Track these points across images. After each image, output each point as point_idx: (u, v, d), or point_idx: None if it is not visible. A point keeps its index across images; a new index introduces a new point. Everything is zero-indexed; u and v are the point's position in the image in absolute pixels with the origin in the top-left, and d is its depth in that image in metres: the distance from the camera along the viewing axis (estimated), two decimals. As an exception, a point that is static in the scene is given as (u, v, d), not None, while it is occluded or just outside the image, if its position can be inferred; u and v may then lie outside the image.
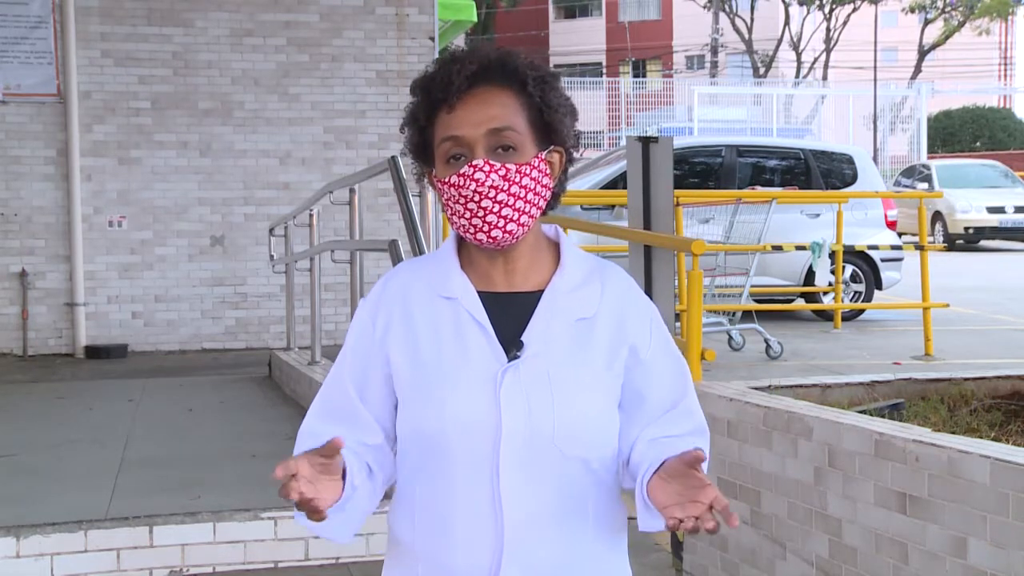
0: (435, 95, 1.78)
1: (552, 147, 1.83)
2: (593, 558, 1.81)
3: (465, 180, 1.75)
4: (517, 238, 1.79)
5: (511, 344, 1.78)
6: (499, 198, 1.75)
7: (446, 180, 1.78)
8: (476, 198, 1.75)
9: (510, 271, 1.83)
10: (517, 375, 1.76)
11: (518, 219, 1.77)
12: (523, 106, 1.79)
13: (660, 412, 1.85)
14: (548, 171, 1.82)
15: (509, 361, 1.77)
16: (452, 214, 1.79)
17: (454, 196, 1.77)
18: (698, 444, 1.86)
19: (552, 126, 1.82)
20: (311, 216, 7.96)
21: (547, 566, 1.75)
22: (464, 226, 1.78)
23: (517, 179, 1.76)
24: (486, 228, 1.76)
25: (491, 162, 1.75)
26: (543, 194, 1.81)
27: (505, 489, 1.74)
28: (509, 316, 1.80)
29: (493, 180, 1.75)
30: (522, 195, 1.77)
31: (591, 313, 1.82)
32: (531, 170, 1.78)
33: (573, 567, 1.78)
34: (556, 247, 1.88)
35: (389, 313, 1.84)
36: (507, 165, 1.76)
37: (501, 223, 1.76)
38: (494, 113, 1.76)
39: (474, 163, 1.75)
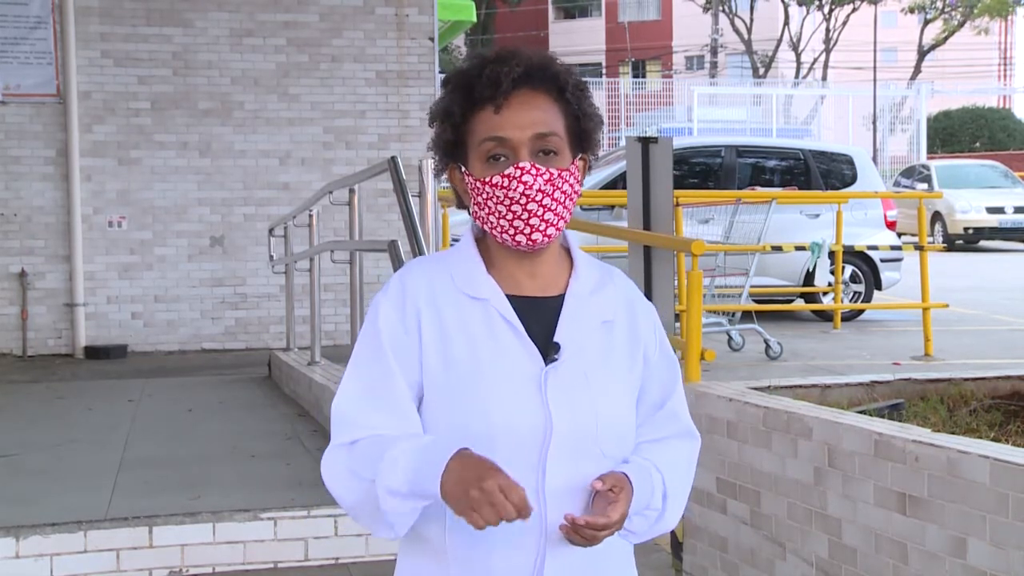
0: (479, 94, 1.77)
1: (582, 154, 1.85)
2: (619, 557, 1.85)
3: (511, 181, 1.75)
4: (552, 241, 1.80)
5: (542, 347, 1.78)
6: (544, 202, 1.76)
7: (487, 180, 1.77)
8: (523, 200, 1.75)
9: (536, 275, 1.83)
10: (558, 377, 1.77)
11: (557, 223, 1.79)
12: (562, 112, 1.81)
13: (651, 411, 1.89)
14: (580, 176, 1.84)
15: (547, 363, 1.77)
16: (490, 214, 1.78)
17: (497, 197, 1.77)
18: (681, 448, 1.90)
19: (587, 133, 1.84)
20: (311, 216, 7.96)
21: (584, 565, 1.77)
22: (504, 227, 1.78)
23: (560, 184, 1.78)
24: (528, 230, 1.77)
25: (538, 166, 1.76)
26: (575, 199, 1.83)
27: (550, 490, 1.74)
28: (536, 319, 1.81)
29: (539, 184, 1.76)
30: (563, 200, 1.79)
31: (612, 316, 1.85)
32: (570, 175, 1.80)
33: (606, 566, 1.81)
34: (567, 251, 1.90)
35: (416, 309, 1.80)
36: (551, 169, 1.77)
37: (543, 226, 1.77)
38: (539, 117, 1.77)
39: (521, 165, 1.75)
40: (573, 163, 1.81)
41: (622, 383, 1.83)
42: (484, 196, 1.78)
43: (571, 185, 1.80)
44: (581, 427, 1.76)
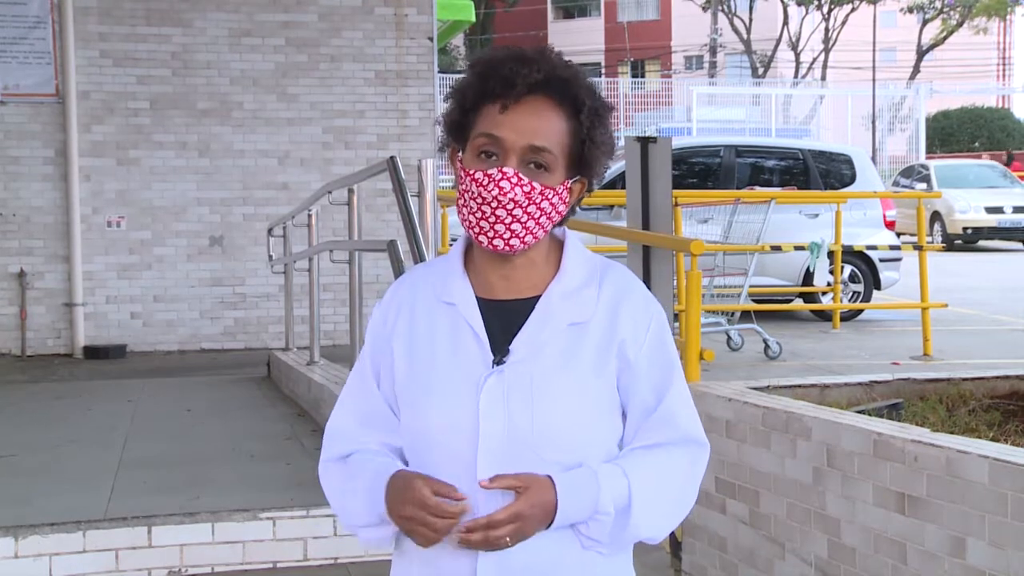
0: (491, 87, 1.76)
1: (579, 177, 1.83)
2: (581, 563, 1.79)
3: (490, 182, 1.75)
4: (516, 252, 1.79)
5: (502, 350, 1.79)
6: (515, 212, 1.76)
7: (470, 172, 1.77)
8: (493, 204, 1.75)
9: (509, 278, 1.83)
10: (500, 380, 1.77)
11: (523, 236, 1.78)
12: (569, 132, 1.78)
13: (644, 413, 1.84)
14: (567, 198, 1.82)
15: (494, 367, 1.78)
16: (463, 206, 1.80)
17: (473, 192, 1.77)
18: (674, 454, 1.84)
19: (588, 160, 1.82)
20: (310, 216, 7.95)
21: (524, 568, 1.75)
22: (471, 222, 1.79)
23: (538, 200, 1.77)
24: (491, 234, 1.77)
25: (521, 176, 1.75)
26: (555, 218, 1.81)
27: (481, 491, 1.74)
28: (505, 323, 1.81)
29: (515, 194, 1.75)
30: (536, 215, 1.77)
31: (585, 318, 1.81)
32: (553, 195, 1.78)
33: (556, 565, 1.77)
34: (561, 249, 1.88)
35: (396, 316, 1.87)
36: (533, 184, 1.76)
37: (507, 235, 1.77)
38: (541, 129, 1.76)
39: (504, 170, 1.74)
40: (564, 184, 1.79)
41: (581, 388, 1.79)
42: (463, 187, 1.79)
43: (551, 204, 1.78)
44: (516, 432, 1.75)
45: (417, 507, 1.70)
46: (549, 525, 1.73)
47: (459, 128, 1.82)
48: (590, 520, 1.75)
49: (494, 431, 1.75)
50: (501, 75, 1.76)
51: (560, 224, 1.85)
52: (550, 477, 1.73)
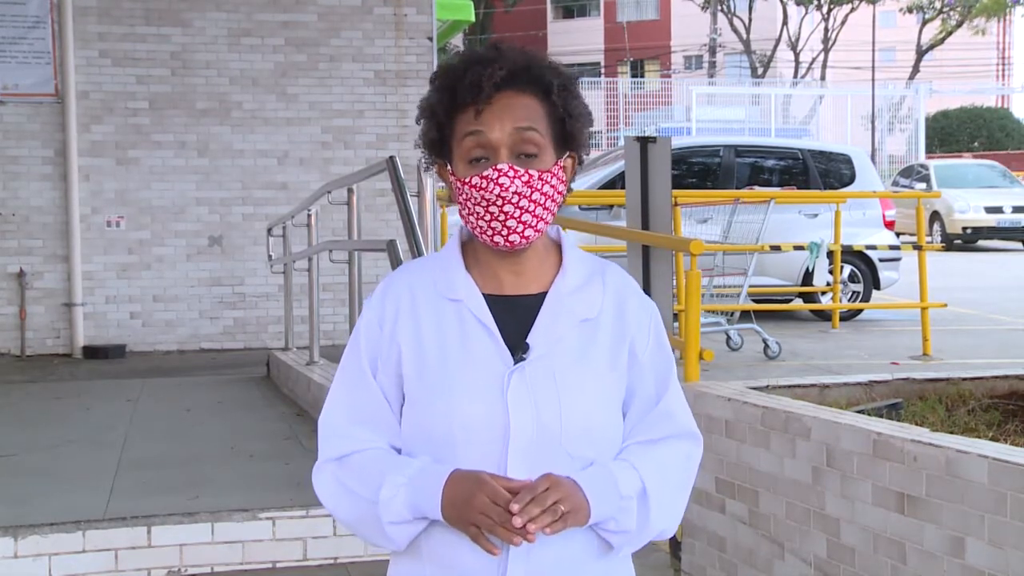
0: (461, 96, 1.78)
1: (568, 153, 1.85)
2: (599, 557, 1.82)
3: (488, 183, 1.76)
4: (531, 242, 1.81)
5: (516, 346, 1.79)
6: (521, 204, 1.77)
7: (467, 180, 1.78)
8: (499, 202, 1.76)
9: (517, 273, 1.84)
10: (524, 377, 1.77)
11: (535, 224, 1.79)
12: (546, 113, 1.81)
13: (645, 409, 1.86)
14: (563, 177, 1.84)
15: (515, 363, 1.78)
16: (469, 214, 1.80)
17: (475, 198, 1.78)
18: (675, 448, 1.86)
19: (572, 134, 1.84)
20: (309, 216, 7.96)
21: (553, 565, 1.76)
22: (482, 227, 1.79)
23: (539, 186, 1.79)
24: (505, 232, 1.78)
25: (515, 168, 1.77)
26: (558, 200, 1.83)
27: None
28: (514, 318, 1.82)
29: (516, 186, 1.76)
30: (542, 202, 1.79)
31: (594, 314, 1.84)
32: (551, 177, 1.80)
33: (579, 566, 1.79)
34: (558, 247, 1.90)
35: (395, 315, 1.85)
36: (530, 172, 1.78)
37: (520, 228, 1.78)
38: (520, 121, 1.78)
39: (499, 167, 1.76)
40: (557, 164, 1.82)
41: (599, 382, 1.81)
42: (464, 196, 1.80)
43: (552, 186, 1.81)
44: (544, 428, 1.76)
45: (490, 500, 1.67)
46: (587, 519, 1.73)
47: (440, 143, 1.84)
48: (618, 512, 1.76)
49: (524, 428, 1.75)
50: (466, 82, 1.77)
51: (561, 202, 1.86)
52: (570, 478, 1.73)
